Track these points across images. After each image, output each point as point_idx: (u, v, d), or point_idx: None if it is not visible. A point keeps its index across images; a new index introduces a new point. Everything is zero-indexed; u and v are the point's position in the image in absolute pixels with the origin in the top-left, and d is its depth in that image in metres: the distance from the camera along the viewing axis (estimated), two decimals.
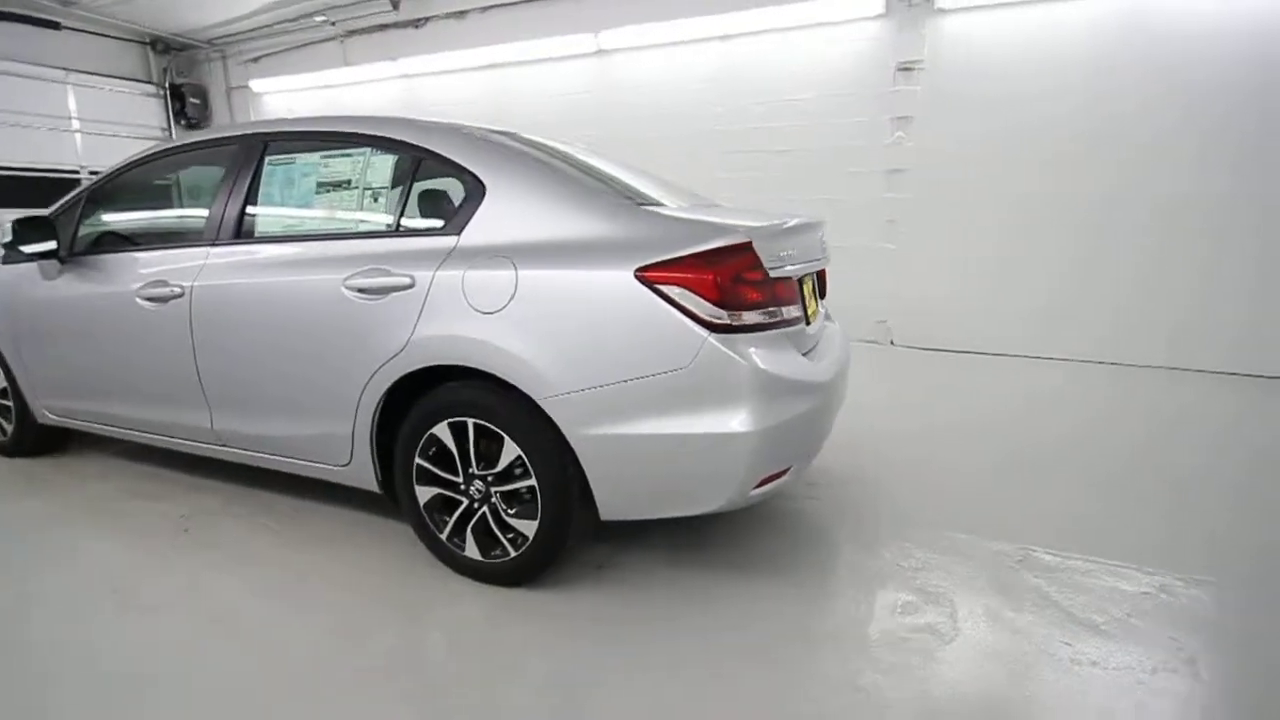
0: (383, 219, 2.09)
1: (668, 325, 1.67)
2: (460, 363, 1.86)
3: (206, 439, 2.44)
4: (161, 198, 2.93)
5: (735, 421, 1.67)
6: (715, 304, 1.66)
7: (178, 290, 2.30)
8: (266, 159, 2.28)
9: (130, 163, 2.59)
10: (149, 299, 2.36)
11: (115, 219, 2.74)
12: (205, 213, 2.36)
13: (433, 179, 2.08)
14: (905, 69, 5.18)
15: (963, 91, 4.99)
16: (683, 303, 1.66)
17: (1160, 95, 4.48)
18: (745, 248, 1.72)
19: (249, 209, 2.27)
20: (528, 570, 1.96)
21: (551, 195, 1.89)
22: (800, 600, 1.94)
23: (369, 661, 1.70)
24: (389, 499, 2.17)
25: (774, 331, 1.79)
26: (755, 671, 1.63)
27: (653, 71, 6.07)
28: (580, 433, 1.75)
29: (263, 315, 2.16)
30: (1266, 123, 4.26)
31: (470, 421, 1.90)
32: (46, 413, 2.87)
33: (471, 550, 1.99)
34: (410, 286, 1.92)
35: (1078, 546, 2.20)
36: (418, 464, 2.01)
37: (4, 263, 2.78)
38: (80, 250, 2.63)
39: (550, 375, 1.75)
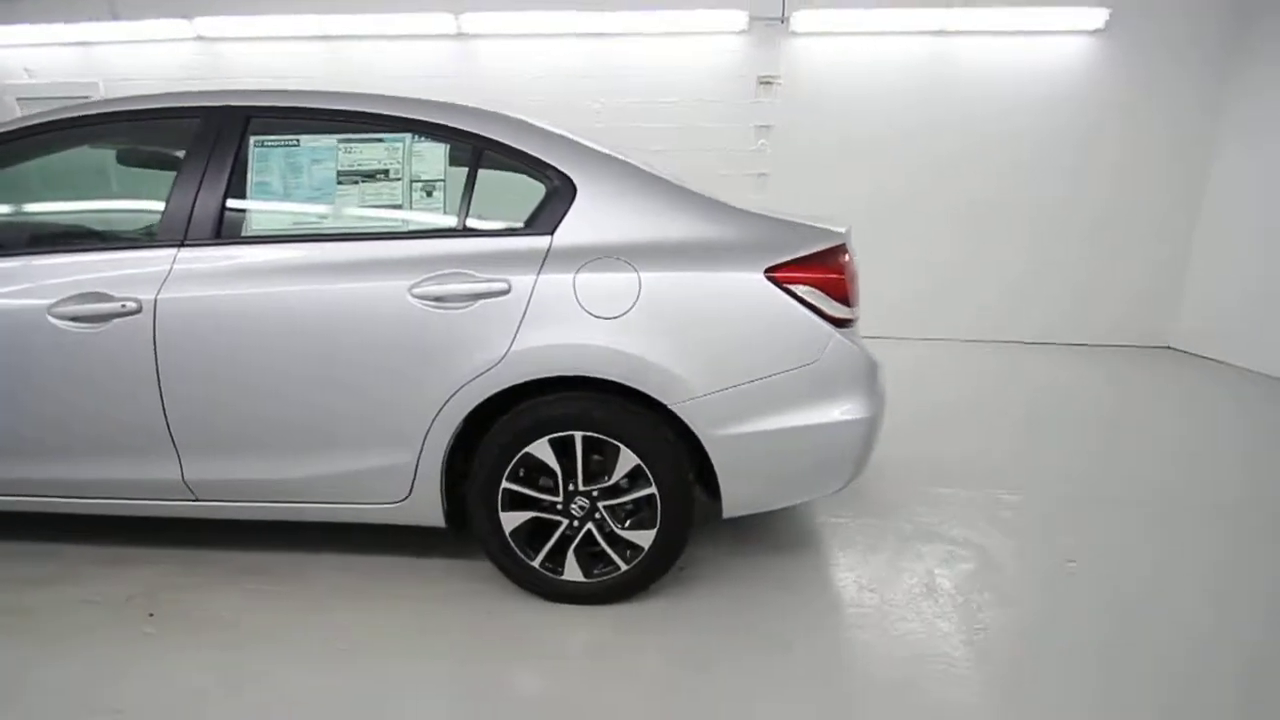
0: (441, 217, 1.82)
1: (798, 323, 1.75)
2: (577, 373, 1.72)
3: (166, 493, 1.91)
4: (73, 180, 2.13)
5: (857, 408, 1.81)
6: (838, 300, 1.78)
7: (129, 305, 1.75)
8: (250, 138, 1.84)
9: (19, 129, 1.88)
10: (74, 318, 1.77)
11: None
12: (154, 204, 1.83)
13: (497, 172, 1.87)
14: (765, 82, 5.71)
15: (815, 105, 5.66)
16: (811, 300, 1.75)
17: (960, 115, 5.57)
18: (844, 248, 1.86)
19: (233, 200, 1.82)
20: (640, 583, 1.89)
21: (647, 195, 1.83)
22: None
23: (531, 713, 1.53)
24: (448, 533, 1.93)
25: (857, 324, 1.96)
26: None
27: (525, 62, 5.87)
28: (715, 434, 1.75)
29: (280, 334, 1.75)
30: (1041, 140, 5.55)
31: (578, 435, 1.78)
32: None
33: (572, 572, 1.87)
34: (506, 292, 1.72)
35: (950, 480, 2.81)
36: (505, 488, 1.82)
37: None
38: None
39: (684, 379, 1.72)
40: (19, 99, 6.44)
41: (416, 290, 1.73)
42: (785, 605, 1.95)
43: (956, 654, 1.73)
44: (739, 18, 5.50)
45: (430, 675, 1.65)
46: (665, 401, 1.73)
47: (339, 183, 1.83)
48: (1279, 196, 4.89)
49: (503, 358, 1.72)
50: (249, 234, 1.83)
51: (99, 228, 2.05)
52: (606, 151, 1.89)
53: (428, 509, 1.87)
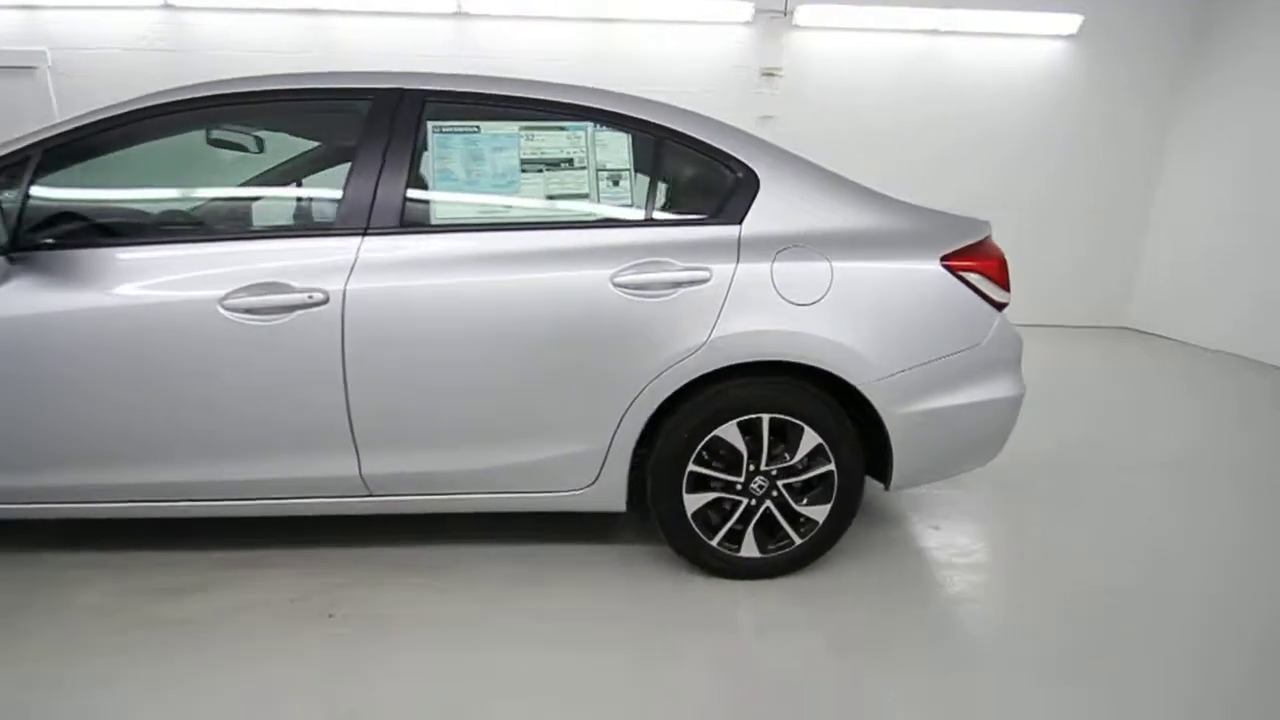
0: (628, 206, 1.84)
1: (968, 307, 1.89)
2: (777, 357, 1.79)
3: (339, 490, 1.84)
4: (228, 161, 1.96)
5: (1013, 385, 1.97)
6: (1000, 285, 1.93)
7: (316, 296, 1.68)
8: (428, 124, 1.79)
9: (169, 104, 1.73)
10: (249, 310, 1.67)
11: (120, 192, 1.80)
12: (327, 191, 1.75)
13: (678, 163, 1.90)
14: (768, 74, 5.85)
15: (814, 98, 5.86)
16: (979, 286, 1.89)
17: (950, 111, 5.91)
18: (990, 237, 2.01)
19: (415, 187, 1.76)
20: (811, 555, 2.00)
21: (822, 187, 1.92)
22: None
23: (752, 687, 1.61)
24: (625, 516, 1.96)
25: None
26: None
27: (525, 44, 5.75)
28: (896, 412, 1.87)
29: (471, 324, 1.72)
30: (1020, 136, 5.95)
31: (766, 417, 1.85)
32: None
33: (749, 549, 1.95)
34: (706, 281, 1.77)
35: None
36: (690, 471, 1.87)
37: None
38: (44, 241, 1.70)
39: (870, 361, 1.82)
40: None
41: (618, 279, 1.75)
42: (930, 579, 2.11)
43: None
44: (745, 9, 5.60)
45: (624, 651, 1.70)
46: (854, 383, 1.83)
47: (523, 171, 1.81)
48: (1222, 190, 5.50)
49: (702, 344, 1.77)
50: (435, 222, 1.78)
51: (264, 213, 1.93)
52: (779, 146, 1.95)
53: (612, 494, 1.90)
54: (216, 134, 1.96)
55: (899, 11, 5.59)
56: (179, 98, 1.77)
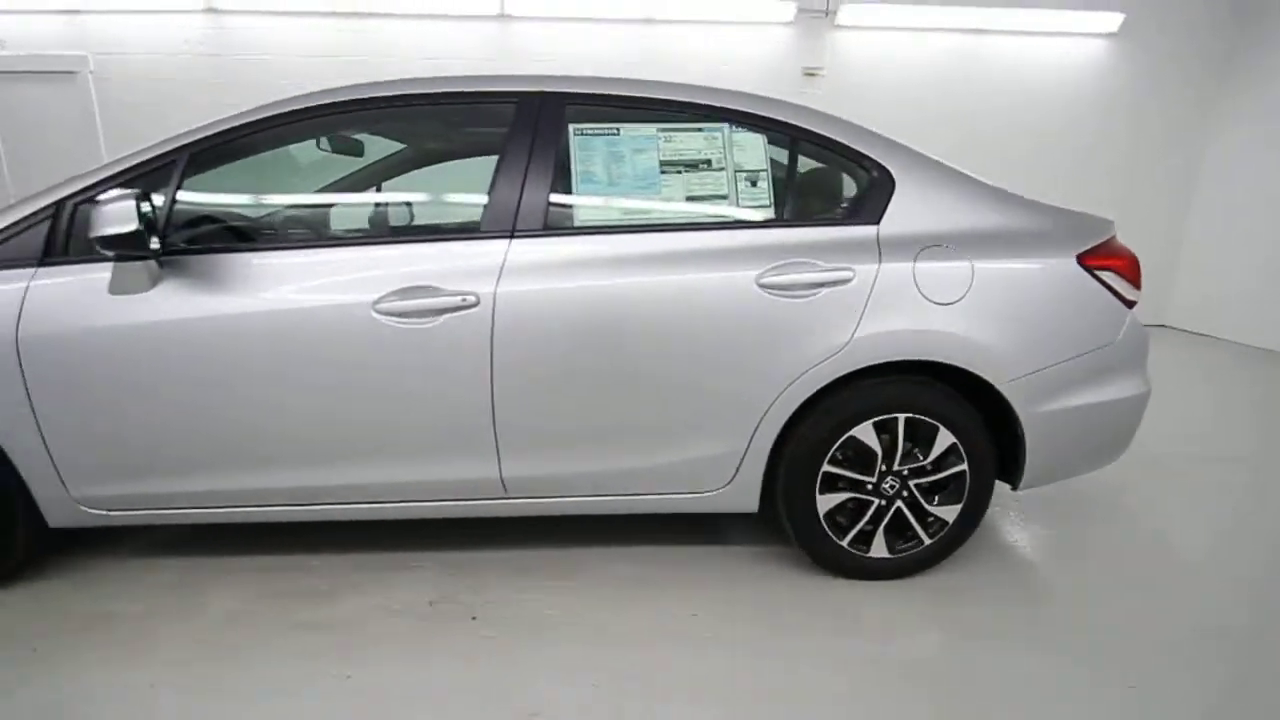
0: (766, 207, 1.84)
1: (1103, 305, 1.89)
2: (919, 357, 1.79)
3: (477, 492, 1.84)
4: (369, 164, 1.95)
5: (1141, 383, 1.98)
6: (1132, 283, 1.93)
7: (467, 299, 1.68)
8: (569, 126, 1.79)
9: (291, 111, 1.73)
10: (400, 314, 1.67)
11: (269, 197, 1.80)
12: (471, 195, 1.75)
13: (813, 163, 1.90)
14: (810, 74, 5.86)
15: (856, 96, 5.85)
16: (1112, 284, 1.89)
17: (989, 109, 5.91)
18: (1116, 235, 2.01)
19: (559, 190, 1.77)
20: (939, 556, 2.00)
21: (956, 188, 1.91)
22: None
23: (897, 686, 1.61)
24: (756, 518, 1.97)
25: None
26: None
27: (568, 47, 5.75)
28: (1032, 411, 1.87)
29: (627, 326, 1.73)
30: (1060, 131, 5.96)
31: (902, 417, 1.85)
32: (87, 507, 1.78)
33: (878, 549, 1.95)
34: (849, 281, 1.77)
35: None
36: (824, 471, 1.87)
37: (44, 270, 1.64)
38: (191, 244, 1.70)
39: (1009, 360, 1.82)
40: None
41: (763, 280, 1.75)
42: (1051, 576, 2.10)
43: None
44: (787, 9, 5.60)
45: (770, 651, 1.70)
46: (994, 382, 1.83)
47: (662, 172, 1.81)
48: (1262, 189, 5.50)
49: (845, 344, 1.77)
50: (579, 224, 1.78)
51: (406, 216, 1.93)
52: (911, 146, 1.95)
53: (745, 495, 1.90)
54: (330, 139, 1.97)
55: (941, 11, 5.60)
56: (319, 102, 1.77)
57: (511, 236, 1.73)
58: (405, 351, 1.69)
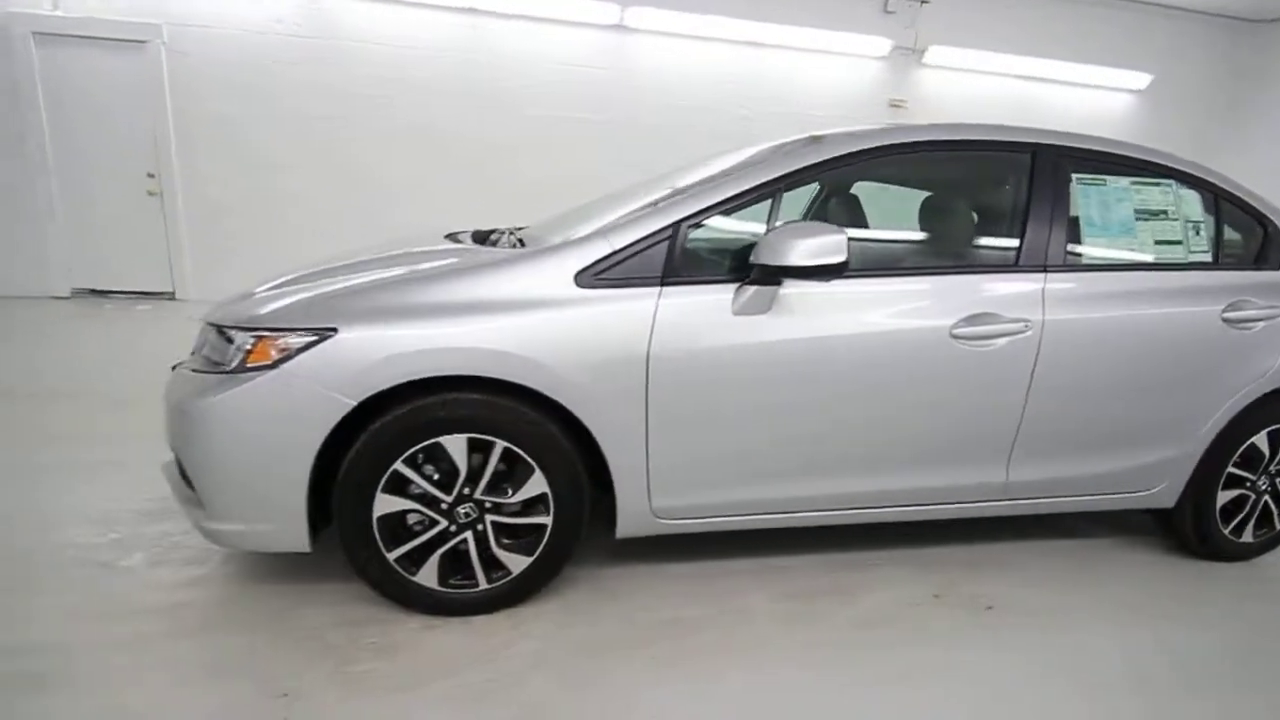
0: (1205, 253, 2.20)
1: None
2: None
3: (977, 496, 2.07)
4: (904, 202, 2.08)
5: None
6: None
7: (1019, 326, 1.92)
8: (1073, 177, 2.07)
9: (894, 144, 1.95)
10: (969, 338, 1.88)
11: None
12: (1006, 233, 1.99)
13: (1226, 217, 2.27)
14: (895, 105, 6.37)
15: None
16: None
17: None
18: None
19: (1071, 232, 2.04)
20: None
21: None
22: None
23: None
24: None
25: None
26: None
27: (678, 62, 5.93)
28: None
29: (1125, 350, 2.03)
30: None
31: None
32: (658, 517, 1.84)
33: (1246, 537, 2.37)
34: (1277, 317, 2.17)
35: None
36: (1228, 473, 2.27)
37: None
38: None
39: None
40: (35, 33, 5.09)
41: (1226, 315, 2.11)
42: None
43: None
44: (883, 44, 6.08)
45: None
46: None
47: (1137, 219, 2.13)
48: None
49: (1273, 369, 2.17)
50: (1085, 262, 2.06)
51: (955, 251, 2.13)
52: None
53: (1171, 493, 2.26)
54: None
55: (1010, 59, 6.30)
56: (892, 140, 2.01)
57: (1045, 270, 1.99)
58: (971, 369, 1.90)
